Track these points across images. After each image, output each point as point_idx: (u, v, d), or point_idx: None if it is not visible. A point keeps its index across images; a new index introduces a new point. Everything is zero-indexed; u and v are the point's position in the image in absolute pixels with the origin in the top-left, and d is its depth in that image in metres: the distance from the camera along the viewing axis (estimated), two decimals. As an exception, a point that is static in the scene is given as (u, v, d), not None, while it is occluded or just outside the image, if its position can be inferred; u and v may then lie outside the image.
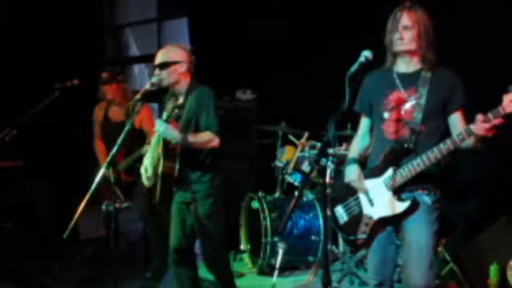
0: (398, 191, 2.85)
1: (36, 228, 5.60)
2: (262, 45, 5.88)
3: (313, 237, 4.88)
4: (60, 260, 5.19)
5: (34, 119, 4.01)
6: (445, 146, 2.70)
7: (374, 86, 3.00)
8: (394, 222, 2.91)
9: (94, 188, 3.07)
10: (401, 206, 2.83)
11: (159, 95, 3.73)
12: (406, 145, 2.83)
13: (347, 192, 3.05)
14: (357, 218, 3.00)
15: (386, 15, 2.92)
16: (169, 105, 3.49)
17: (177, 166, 3.46)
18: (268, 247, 4.78)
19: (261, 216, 4.85)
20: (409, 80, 2.88)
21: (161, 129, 3.36)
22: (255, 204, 4.97)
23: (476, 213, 4.38)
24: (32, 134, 4.67)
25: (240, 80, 6.08)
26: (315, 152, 4.85)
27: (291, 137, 5.14)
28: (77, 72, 4.35)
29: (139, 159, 4.38)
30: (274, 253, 4.76)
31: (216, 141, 3.46)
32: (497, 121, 2.56)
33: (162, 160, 3.45)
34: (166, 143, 3.43)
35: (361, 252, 4.37)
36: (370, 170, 2.98)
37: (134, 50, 8.20)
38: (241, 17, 6.16)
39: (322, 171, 3.20)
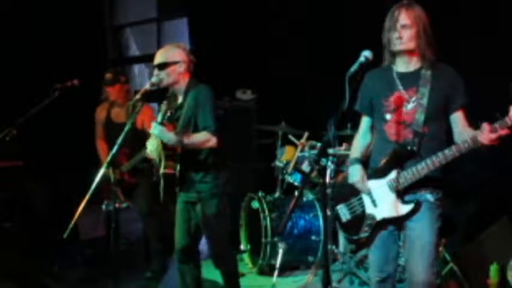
0: (402, 193, 2.85)
1: (36, 228, 5.60)
2: (263, 45, 5.88)
3: (313, 237, 4.88)
4: (60, 260, 5.19)
5: (34, 119, 4.01)
6: (450, 152, 2.69)
7: (374, 86, 2.98)
8: (397, 222, 2.92)
9: (94, 188, 3.07)
10: (405, 209, 2.84)
11: (159, 95, 3.73)
12: (409, 147, 2.82)
13: (350, 192, 3.05)
14: (359, 217, 3.00)
15: (386, 15, 2.91)
16: (163, 108, 3.49)
17: (177, 167, 3.46)
18: (268, 247, 4.78)
19: (261, 216, 4.84)
20: (410, 80, 2.87)
21: (156, 132, 3.36)
22: (255, 204, 4.97)
23: (477, 213, 4.38)
24: (32, 134, 4.67)
25: (240, 80, 6.08)
26: (315, 152, 4.84)
27: (291, 137, 5.13)
28: (77, 72, 4.34)
29: (143, 161, 4.39)
30: (274, 253, 4.76)
31: (213, 141, 3.44)
32: (504, 132, 2.56)
33: (163, 160, 3.45)
34: (165, 144, 3.42)
35: (362, 252, 4.38)
36: (373, 170, 2.98)
37: (134, 50, 8.20)
38: (241, 17, 6.16)
39: (322, 171, 3.19)
